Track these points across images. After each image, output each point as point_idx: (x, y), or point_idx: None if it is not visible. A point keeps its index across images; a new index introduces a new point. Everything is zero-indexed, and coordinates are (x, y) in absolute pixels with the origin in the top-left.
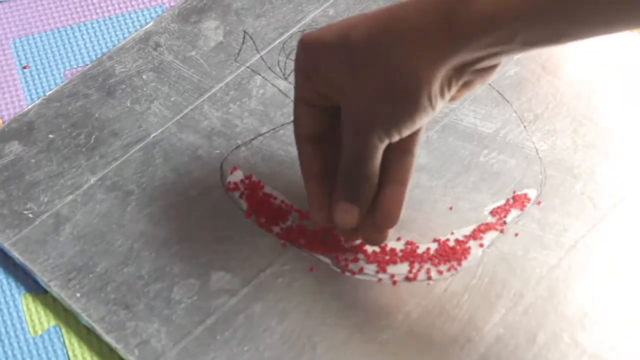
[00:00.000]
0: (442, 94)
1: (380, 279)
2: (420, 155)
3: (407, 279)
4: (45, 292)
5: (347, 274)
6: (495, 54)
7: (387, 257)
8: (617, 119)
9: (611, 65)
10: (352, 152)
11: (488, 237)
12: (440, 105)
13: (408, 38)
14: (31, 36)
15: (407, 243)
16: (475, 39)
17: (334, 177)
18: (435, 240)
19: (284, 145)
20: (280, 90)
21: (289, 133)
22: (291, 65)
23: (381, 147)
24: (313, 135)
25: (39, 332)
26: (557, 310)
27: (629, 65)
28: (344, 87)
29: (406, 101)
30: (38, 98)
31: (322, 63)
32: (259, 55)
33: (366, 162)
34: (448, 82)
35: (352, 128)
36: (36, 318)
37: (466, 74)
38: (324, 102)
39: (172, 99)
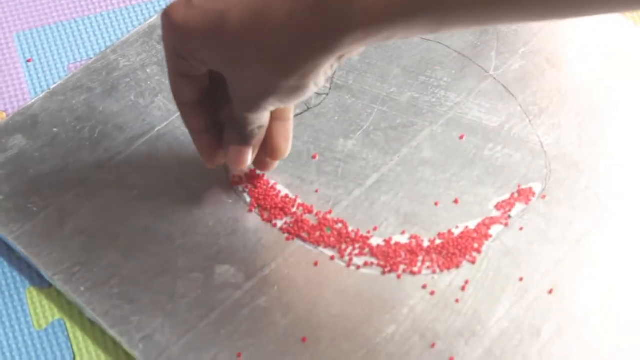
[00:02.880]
0: (325, 75)
1: (384, 273)
2: (425, 149)
3: (412, 272)
4: (50, 285)
5: (352, 267)
6: (375, 42)
7: (392, 251)
8: (622, 113)
9: (616, 59)
10: (240, 114)
11: (493, 231)
12: (324, 81)
13: (287, 33)
14: (35, 30)
15: (412, 237)
16: (357, 36)
17: (217, 125)
18: (439, 234)
19: None
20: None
21: (293, 127)
22: None
23: (269, 110)
24: (193, 100)
25: (44, 326)
26: (561, 304)
27: (634, 59)
28: (224, 72)
29: (290, 92)
30: (42, 92)
31: (196, 50)
32: None
33: (254, 120)
34: (330, 66)
35: (239, 100)
36: (40, 312)
37: (346, 55)
38: (200, 72)
39: None
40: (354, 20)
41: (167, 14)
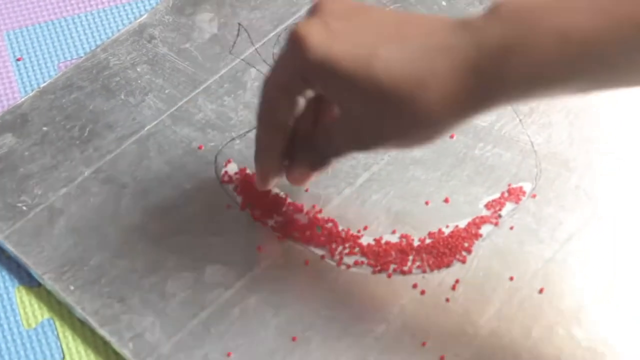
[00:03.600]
0: None
1: (375, 272)
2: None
3: (402, 272)
4: (39, 284)
5: (342, 267)
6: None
7: (382, 250)
8: (612, 112)
9: None
10: (341, 150)
11: (483, 230)
12: None
13: (444, 90)
14: (25, 28)
15: (402, 236)
16: (506, 99)
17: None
18: (430, 233)
19: None
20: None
21: None
22: None
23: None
24: (286, 122)
25: (33, 325)
26: (552, 303)
27: None
28: (350, 110)
29: (419, 141)
30: (32, 90)
31: (330, 84)
32: (253, 48)
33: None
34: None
35: (352, 139)
36: (30, 311)
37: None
38: (309, 96)
39: (167, 91)
40: (512, 83)
41: (302, 38)
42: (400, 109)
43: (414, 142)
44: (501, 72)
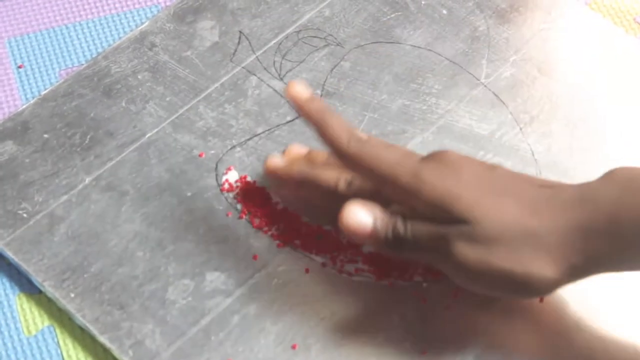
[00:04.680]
0: None
1: (375, 280)
2: None
3: (403, 280)
4: (40, 292)
5: (343, 275)
6: None
7: (383, 258)
8: (612, 122)
9: (607, 67)
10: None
11: None
12: None
13: (550, 252)
14: (26, 35)
15: None
16: (616, 264)
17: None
18: None
19: (279, 145)
20: (275, 91)
21: (284, 134)
22: (287, 65)
23: None
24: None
25: (33, 332)
26: (552, 312)
27: (625, 68)
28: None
29: (518, 293)
30: (33, 98)
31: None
32: (254, 56)
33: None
34: None
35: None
36: (30, 318)
37: None
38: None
39: (168, 99)
40: (623, 246)
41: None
42: (514, 289)
43: (516, 294)
44: (613, 233)
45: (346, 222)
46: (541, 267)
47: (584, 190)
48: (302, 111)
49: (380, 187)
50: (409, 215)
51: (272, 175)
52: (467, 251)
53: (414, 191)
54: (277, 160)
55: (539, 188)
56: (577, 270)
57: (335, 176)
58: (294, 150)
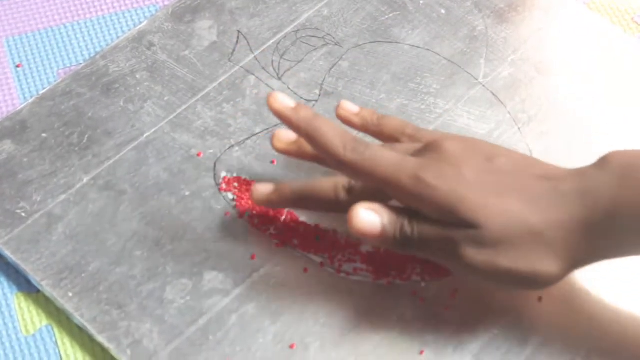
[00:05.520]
0: None
1: (374, 280)
2: None
3: (401, 280)
4: (38, 291)
5: (341, 274)
6: None
7: (382, 258)
8: (610, 121)
9: (605, 66)
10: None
11: None
12: None
13: (554, 249)
14: (25, 35)
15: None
16: (614, 253)
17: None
18: None
19: None
20: (274, 90)
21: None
22: (285, 65)
23: None
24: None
25: (31, 332)
26: (550, 312)
27: (623, 67)
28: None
29: (524, 287)
30: (31, 97)
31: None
32: (252, 55)
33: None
34: None
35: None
36: (28, 317)
37: None
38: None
39: (166, 98)
40: (622, 237)
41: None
42: (520, 285)
43: (524, 287)
44: (613, 226)
45: (356, 225)
46: (547, 264)
47: (583, 182)
48: (289, 123)
49: (382, 190)
50: (415, 214)
51: (265, 205)
52: (474, 254)
53: (416, 195)
54: (263, 189)
55: (539, 180)
56: (579, 262)
57: (332, 185)
58: (283, 137)
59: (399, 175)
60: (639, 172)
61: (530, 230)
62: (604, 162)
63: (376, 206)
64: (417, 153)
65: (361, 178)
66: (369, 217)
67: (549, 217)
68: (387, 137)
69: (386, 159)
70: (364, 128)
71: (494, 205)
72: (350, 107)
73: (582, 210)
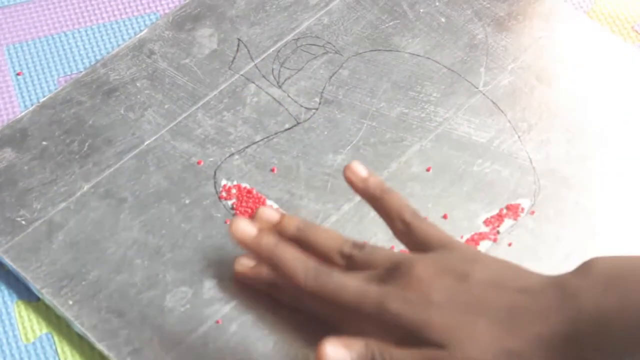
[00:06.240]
0: None
1: None
2: (414, 165)
3: None
4: (38, 299)
5: None
6: None
7: None
8: (610, 130)
9: (605, 75)
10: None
11: (481, 246)
12: None
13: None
14: (25, 43)
15: (401, 252)
16: None
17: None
18: None
19: (278, 153)
20: (274, 99)
21: (282, 141)
22: (285, 73)
23: None
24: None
25: (32, 340)
26: None
27: (623, 76)
28: None
29: None
30: (32, 105)
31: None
32: (253, 63)
33: None
34: None
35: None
36: (28, 325)
37: None
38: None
39: (166, 106)
40: (608, 350)
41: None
42: None
43: None
44: (599, 336)
45: None
46: None
47: (564, 292)
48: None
49: (347, 317)
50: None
51: (241, 278)
52: None
53: (380, 323)
54: (244, 263)
55: (516, 294)
56: None
57: (302, 266)
58: (244, 261)
59: (363, 305)
60: (625, 277)
61: (507, 352)
62: (585, 268)
63: (346, 340)
64: (384, 278)
65: (323, 305)
66: (337, 354)
67: (528, 334)
68: (385, 216)
69: (349, 287)
70: (365, 196)
71: (464, 325)
72: (359, 172)
73: (564, 323)
